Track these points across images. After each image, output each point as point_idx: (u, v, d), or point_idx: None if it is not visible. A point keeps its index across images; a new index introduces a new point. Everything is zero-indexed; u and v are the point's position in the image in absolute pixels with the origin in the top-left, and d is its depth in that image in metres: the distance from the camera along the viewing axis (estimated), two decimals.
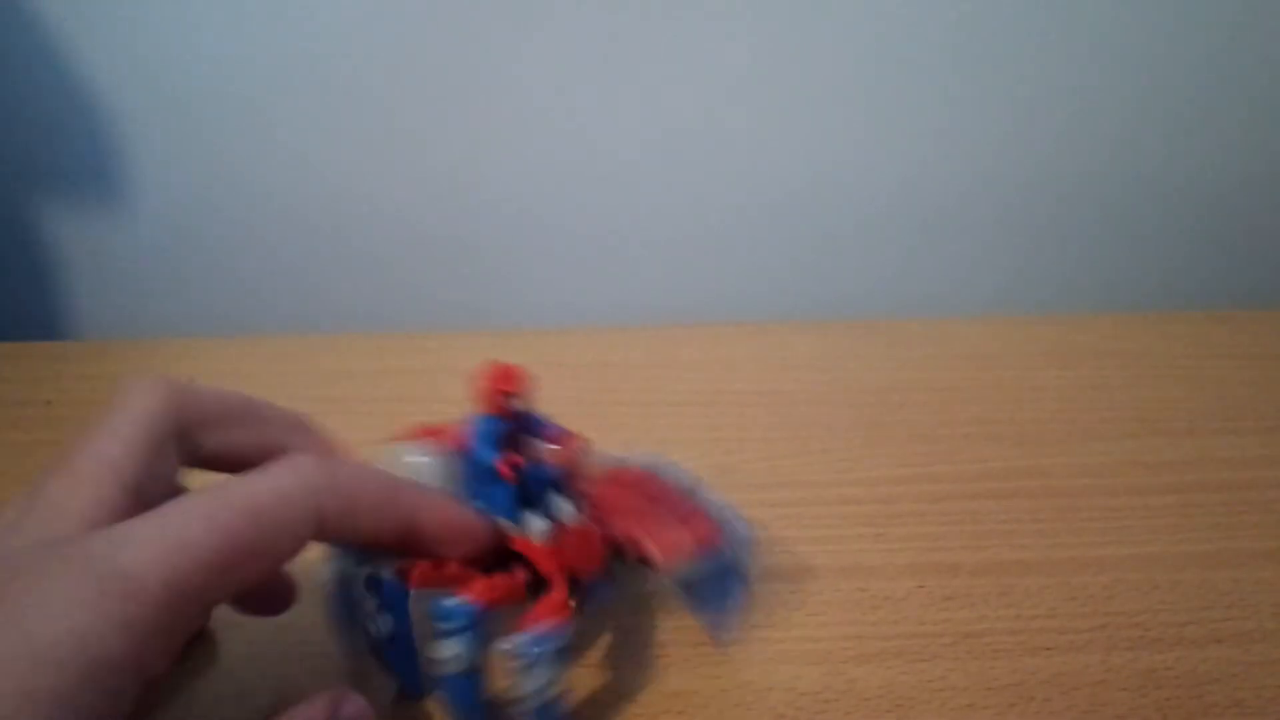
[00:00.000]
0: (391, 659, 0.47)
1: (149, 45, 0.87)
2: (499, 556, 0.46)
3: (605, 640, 0.52)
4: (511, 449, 0.46)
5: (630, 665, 0.50)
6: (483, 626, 0.43)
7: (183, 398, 0.42)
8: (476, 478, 0.46)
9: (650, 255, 0.98)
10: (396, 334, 0.87)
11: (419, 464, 0.47)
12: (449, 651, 0.42)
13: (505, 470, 0.45)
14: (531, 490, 0.46)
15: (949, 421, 0.74)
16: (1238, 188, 0.99)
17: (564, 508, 0.47)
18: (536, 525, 0.45)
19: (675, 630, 0.53)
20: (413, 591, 0.44)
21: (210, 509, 0.35)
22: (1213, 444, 0.71)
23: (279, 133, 0.91)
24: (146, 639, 0.32)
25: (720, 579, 0.50)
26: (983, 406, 0.76)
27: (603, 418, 0.73)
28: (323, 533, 0.39)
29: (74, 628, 0.31)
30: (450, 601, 0.42)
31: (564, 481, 0.47)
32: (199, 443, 0.43)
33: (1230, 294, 1.04)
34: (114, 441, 0.39)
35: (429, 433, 0.49)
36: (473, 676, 0.44)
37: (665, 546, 0.48)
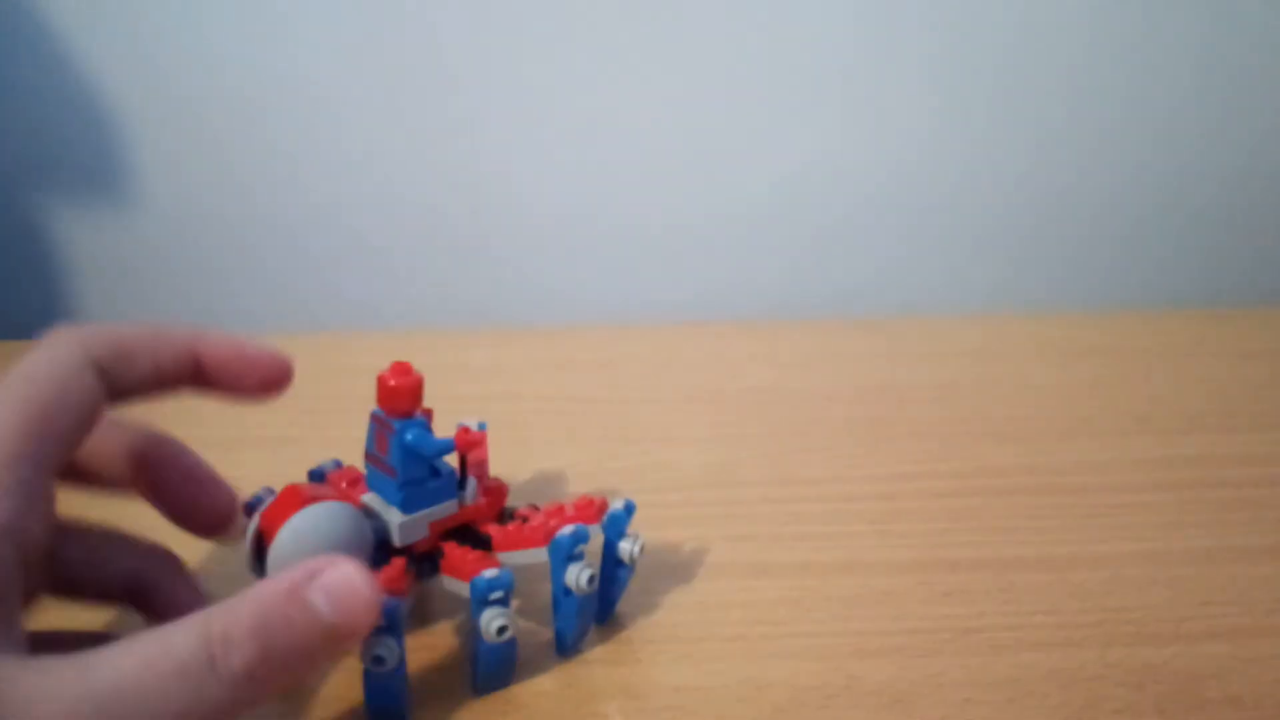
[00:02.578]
0: (386, 685, 0.47)
1: (155, 46, 0.87)
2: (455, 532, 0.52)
3: (605, 635, 0.52)
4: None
5: (630, 660, 0.51)
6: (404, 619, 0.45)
7: (91, 339, 0.44)
8: (421, 479, 0.50)
9: (651, 254, 0.98)
10: (400, 332, 0.88)
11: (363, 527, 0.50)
12: (383, 648, 0.44)
13: (463, 444, 0.51)
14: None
15: (949, 419, 0.74)
16: (1235, 185, 0.99)
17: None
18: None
19: (676, 625, 0.53)
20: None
21: (7, 387, 0.40)
22: (1211, 441, 0.72)
23: (284, 132, 0.91)
24: (10, 505, 0.36)
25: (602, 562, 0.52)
26: (982, 404, 0.76)
27: (605, 415, 0.74)
28: (109, 380, 0.43)
29: None
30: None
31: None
32: (120, 375, 0.44)
33: (1228, 292, 1.04)
34: (22, 383, 0.41)
35: (289, 501, 0.49)
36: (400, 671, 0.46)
37: (508, 531, 0.51)
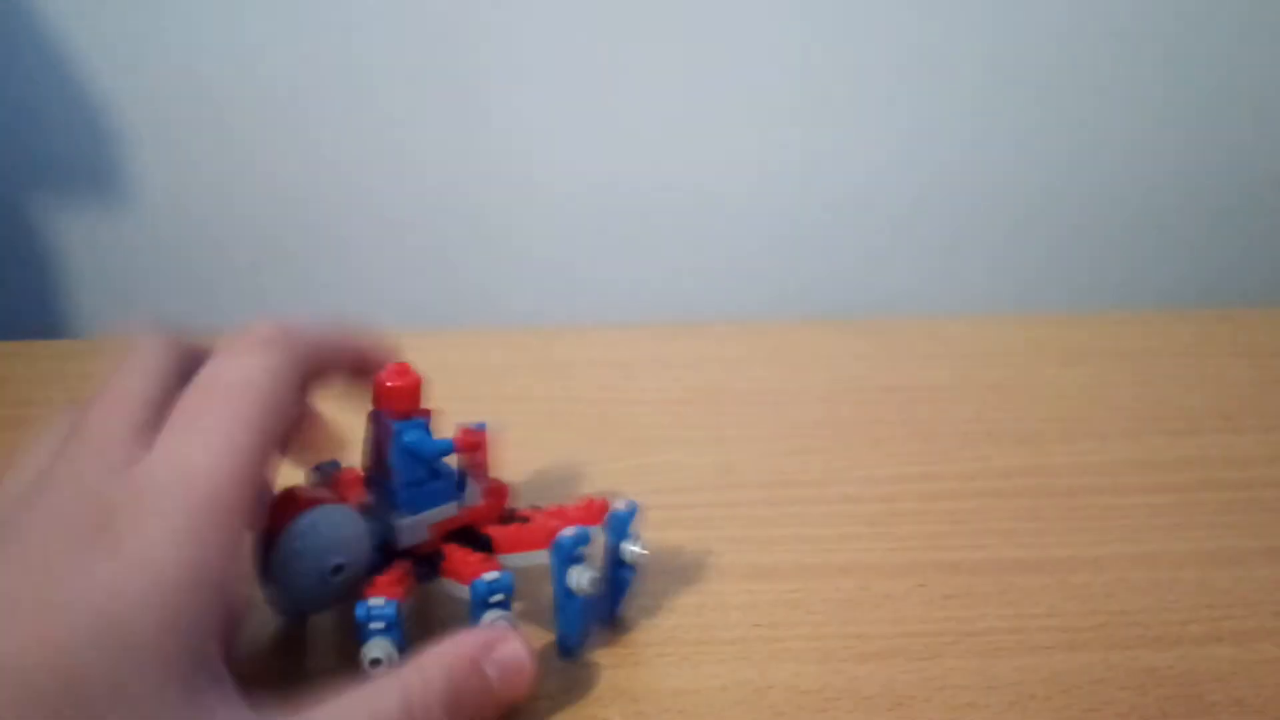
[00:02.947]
0: None
1: (151, 44, 0.87)
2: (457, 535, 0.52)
3: (604, 638, 0.52)
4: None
5: (630, 663, 0.50)
6: (404, 621, 0.45)
7: (299, 350, 0.46)
8: (417, 481, 0.50)
9: (650, 254, 0.98)
10: (397, 332, 0.87)
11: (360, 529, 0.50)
12: (381, 651, 0.44)
13: (467, 442, 0.52)
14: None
15: (950, 420, 0.74)
16: (1239, 186, 0.99)
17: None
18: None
19: (675, 628, 0.53)
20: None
21: (233, 410, 0.41)
22: (1214, 442, 0.71)
23: (280, 131, 0.91)
24: (236, 536, 0.39)
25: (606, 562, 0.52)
26: (983, 405, 0.76)
27: (603, 416, 0.73)
28: (306, 387, 0.47)
29: (188, 556, 0.36)
30: (375, 601, 0.44)
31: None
32: (314, 384, 0.48)
33: (1231, 292, 1.04)
34: (252, 404, 0.42)
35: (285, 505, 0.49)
36: None
37: (507, 533, 0.51)
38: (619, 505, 0.51)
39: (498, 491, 0.54)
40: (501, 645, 0.42)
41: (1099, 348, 0.85)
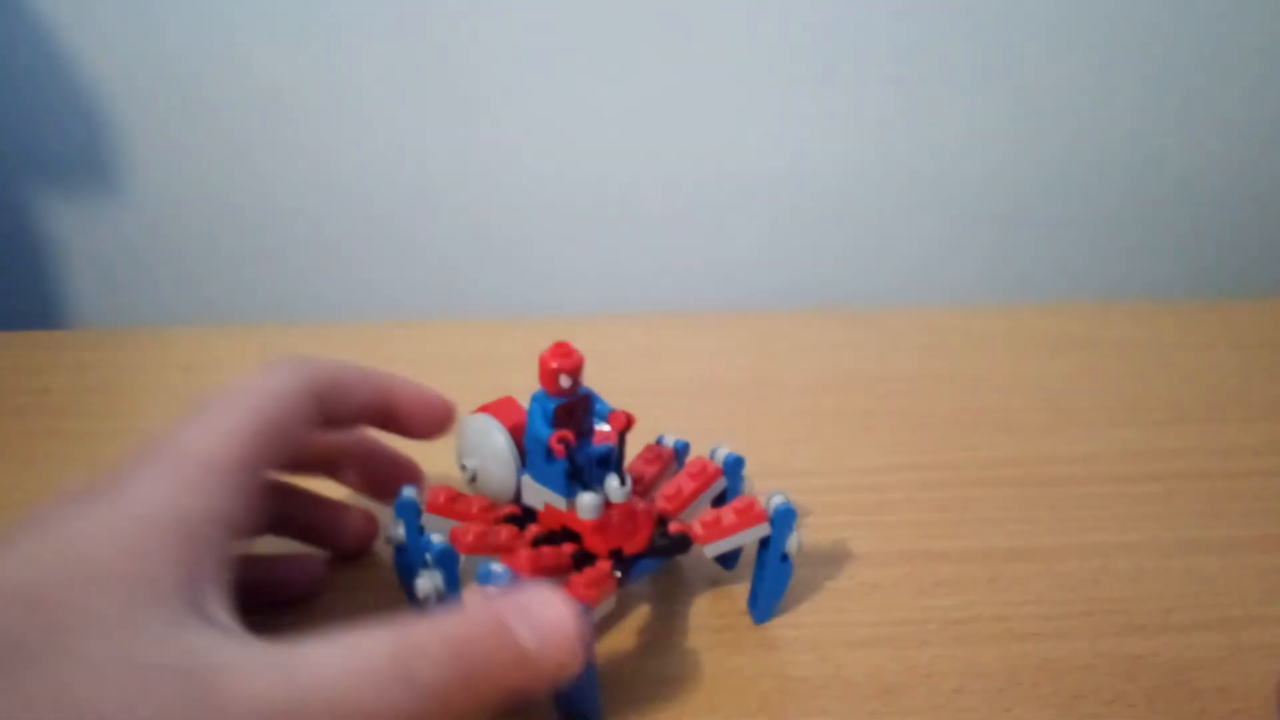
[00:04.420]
0: None
1: (145, 37, 0.87)
2: (550, 531, 0.50)
3: (600, 626, 0.52)
4: (572, 427, 0.48)
5: (617, 653, 0.51)
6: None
7: (315, 374, 0.49)
8: (534, 452, 0.49)
9: (639, 244, 0.98)
10: (391, 323, 0.88)
11: (495, 439, 0.51)
12: (430, 583, 0.46)
13: (555, 446, 0.47)
14: (581, 467, 0.49)
15: (937, 410, 0.74)
16: (1225, 177, 0.99)
17: (611, 485, 0.49)
18: (585, 500, 0.48)
19: (662, 617, 0.53)
20: (463, 557, 0.48)
21: (235, 403, 0.44)
22: (1200, 432, 0.72)
23: (275, 123, 0.91)
24: (224, 497, 0.41)
25: (760, 557, 0.52)
26: (970, 395, 0.76)
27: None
28: (323, 412, 0.48)
29: (168, 498, 0.39)
30: (495, 567, 0.44)
31: (612, 459, 0.50)
32: (331, 407, 0.49)
33: (1216, 283, 1.04)
34: (258, 396, 0.46)
35: (502, 406, 0.52)
36: (589, 675, 0.45)
37: (707, 523, 0.50)
38: (776, 501, 0.51)
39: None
40: (541, 607, 0.39)
41: (1087, 338, 0.85)
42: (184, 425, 0.43)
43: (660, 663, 0.50)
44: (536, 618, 0.39)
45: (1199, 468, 0.67)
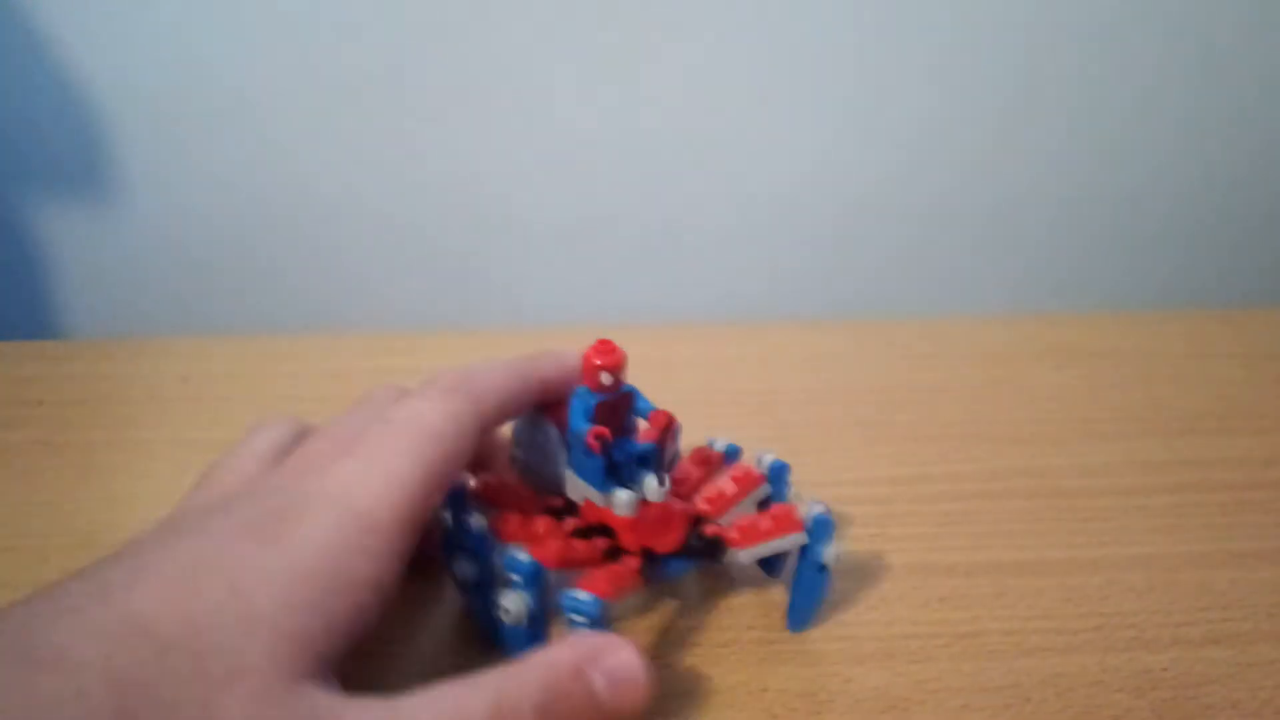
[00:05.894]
0: (475, 604, 0.50)
1: (142, 45, 0.87)
2: (588, 525, 0.50)
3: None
4: (613, 424, 0.48)
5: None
6: (543, 583, 0.47)
7: (483, 400, 0.48)
8: (575, 447, 0.49)
9: (646, 255, 0.98)
10: (391, 334, 0.87)
11: (547, 432, 0.52)
12: (509, 602, 0.45)
13: (592, 443, 0.47)
14: (619, 464, 0.49)
15: (945, 421, 0.74)
16: (1235, 187, 0.99)
17: (649, 484, 0.48)
18: (621, 498, 0.48)
19: (666, 631, 0.52)
20: (500, 545, 0.48)
21: (406, 445, 0.44)
22: (1210, 444, 0.71)
23: (272, 132, 0.91)
24: (382, 561, 0.40)
25: (797, 566, 0.52)
26: (979, 406, 0.76)
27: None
28: (488, 433, 0.49)
29: (330, 555, 0.39)
30: (520, 555, 0.45)
31: (652, 458, 0.50)
32: (493, 426, 0.50)
33: (1228, 293, 1.04)
34: (431, 441, 0.45)
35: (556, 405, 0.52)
36: (531, 630, 0.46)
37: (743, 528, 0.50)
38: (816, 509, 0.51)
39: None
40: (612, 654, 0.41)
41: (1094, 348, 0.85)
42: (347, 464, 0.43)
43: (663, 679, 0.49)
44: (609, 665, 0.40)
45: (1211, 480, 0.67)
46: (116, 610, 0.35)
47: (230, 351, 0.83)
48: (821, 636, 0.52)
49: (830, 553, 0.50)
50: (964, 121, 0.94)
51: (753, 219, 0.97)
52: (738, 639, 0.52)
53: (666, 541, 0.49)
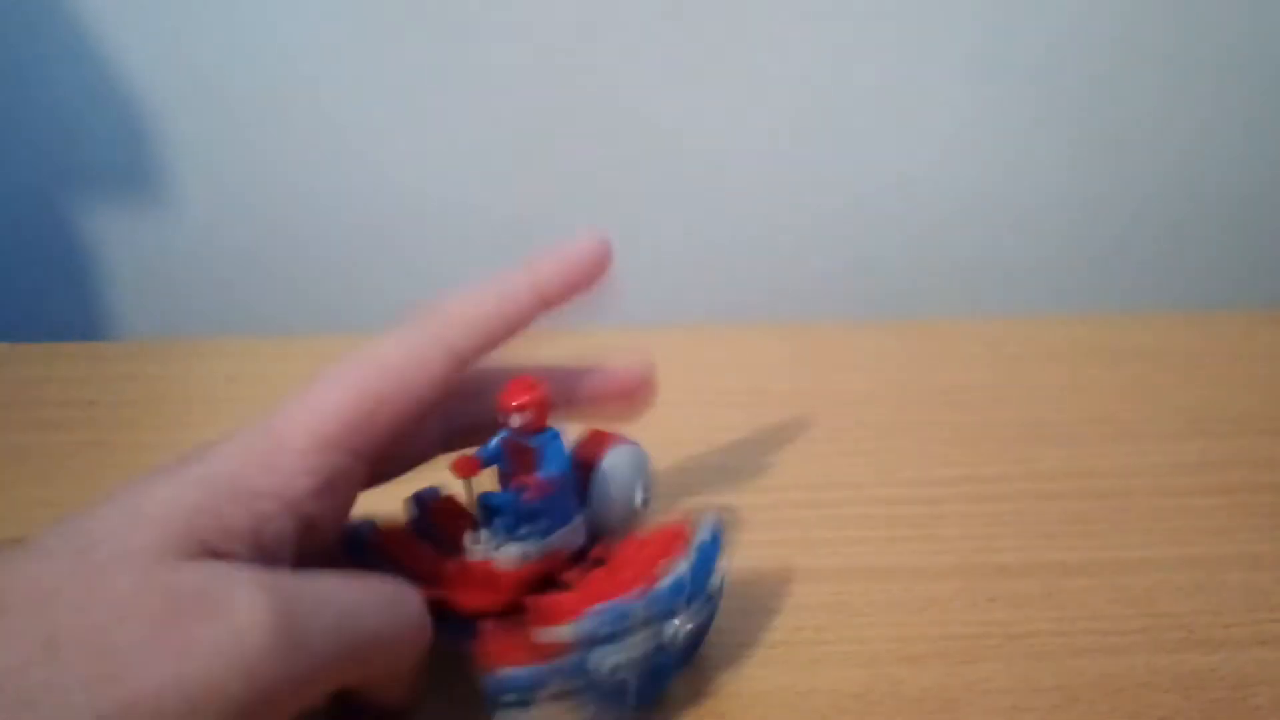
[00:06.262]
0: None
1: (187, 46, 0.88)
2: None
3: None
4: (520, 467, 0.47)
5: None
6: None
7: (452, 328, 0.47)
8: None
9: (692, 254, 0.98)
10: None
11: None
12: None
13: (453, 468, 0.46)
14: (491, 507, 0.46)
15: (995, 422, 0.74)
16: None
17: (470, 538, 0.46)
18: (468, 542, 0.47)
19: (716, 631, 0.52)
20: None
21: (341, 373, 0.44)
22: (1260, 445, 0.71)
23: (319, 133, 0.92)
24: (287, 475, 0.40)
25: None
26: (1027, 407, 0.76)
27: (644, 417, 0.73)
28: (464, 362, 0.46)
29: (230, 467, 0.40)
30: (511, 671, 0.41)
31: (507, 510, 0.46)
32: (475, 357, 0.47)
33: (1277, 293, 1.03)
34: (367, 366, 0.45)
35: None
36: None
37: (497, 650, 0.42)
38: (703, 531, 0.47)
39: None
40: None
41: (1145, 349, 0.84)
42: (286, 401, 0.43)
43: (712, 679, 0.49)
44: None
45: (1259, 481, 0.66)
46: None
47: (278, 352, 0.83)
48: (872, 637, 0.52)
49: (714, 583, 0.46)
50: (1002, 121, 0.94)
51: (803, 220, 0.97)
52: (787, 640, 0.52)
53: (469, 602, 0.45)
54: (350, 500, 0.45)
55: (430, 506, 0.51)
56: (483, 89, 0.91)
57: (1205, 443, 0.71)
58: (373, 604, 0.39)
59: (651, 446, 0.52)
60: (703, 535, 0.47)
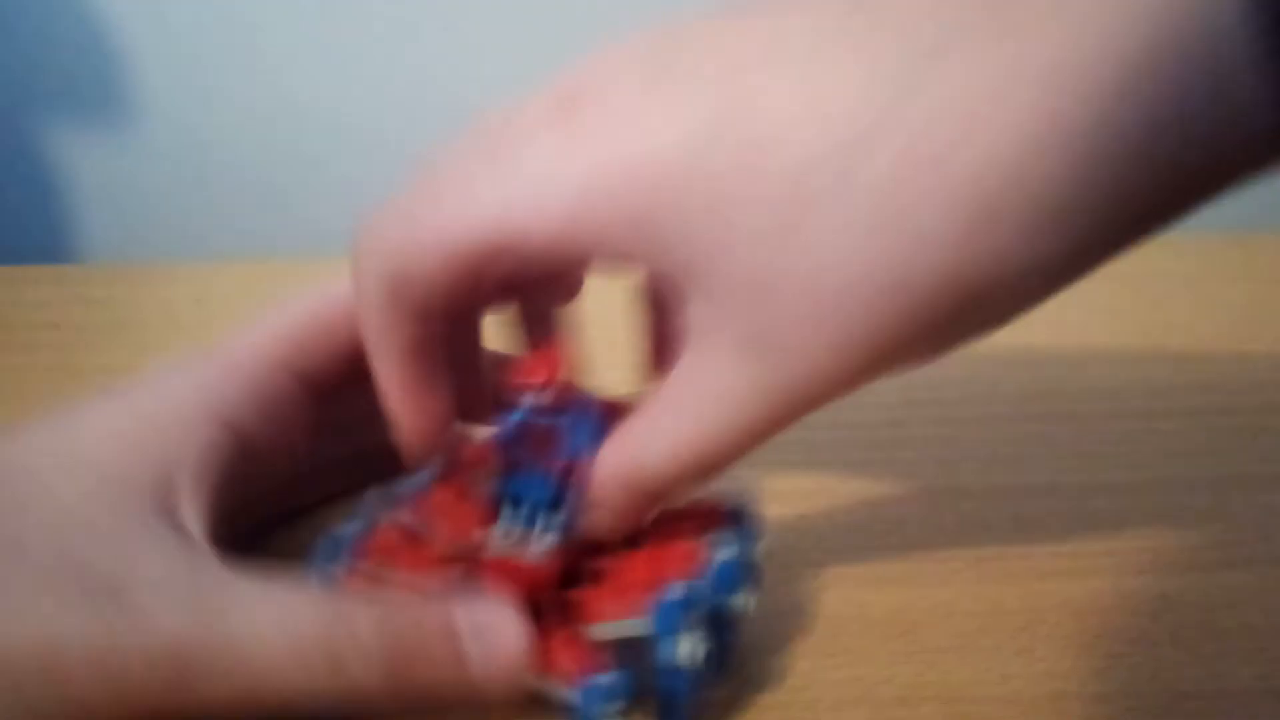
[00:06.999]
0: None
1: None
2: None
3: None
4: (543, 448, 0.40)
5: None
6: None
7: (392, 257, 0.42)
8: None
9: None
10: None
11: None
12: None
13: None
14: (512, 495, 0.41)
15: None
16: None
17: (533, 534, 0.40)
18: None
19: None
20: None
21: (293, 299, 0.45)
22: (1227, 367, 0.71)
23: (288, 52, 0.91)
24: (233, 396, 0.41)
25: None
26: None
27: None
28: (406, 291, 0.40)
29: (172, 396, 0.40)
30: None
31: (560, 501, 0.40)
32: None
33: (1247, 216, 1.03)
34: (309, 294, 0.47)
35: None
36: None
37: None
38: (738, 504, 0.45)
39: None
40: (495, 621, 0.35)
41: (1112, 272, 0.82)
42: (237, 331, 0.44)
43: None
44: (489, 638, 0.35)
45: (1227, 404, 0.66)
46: None
47: (244, 274, 0.83)
48: (835, 560, 0.52)
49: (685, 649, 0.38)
50: None
51: None
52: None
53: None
54: (294, 429, 0.44)
55: (419, 499, 0.43)
56: (465, 9, 0.90)
57: (1172, 366, 0.71)
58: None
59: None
60: (739, 507, 0.45)
